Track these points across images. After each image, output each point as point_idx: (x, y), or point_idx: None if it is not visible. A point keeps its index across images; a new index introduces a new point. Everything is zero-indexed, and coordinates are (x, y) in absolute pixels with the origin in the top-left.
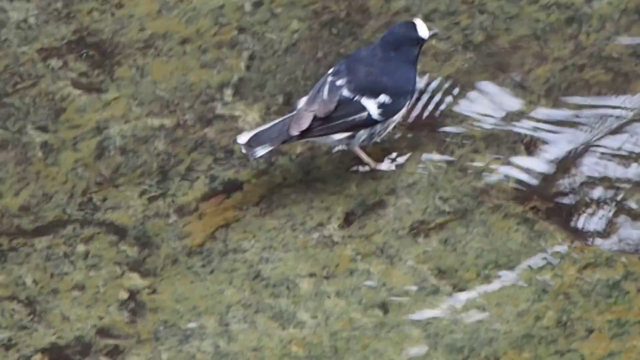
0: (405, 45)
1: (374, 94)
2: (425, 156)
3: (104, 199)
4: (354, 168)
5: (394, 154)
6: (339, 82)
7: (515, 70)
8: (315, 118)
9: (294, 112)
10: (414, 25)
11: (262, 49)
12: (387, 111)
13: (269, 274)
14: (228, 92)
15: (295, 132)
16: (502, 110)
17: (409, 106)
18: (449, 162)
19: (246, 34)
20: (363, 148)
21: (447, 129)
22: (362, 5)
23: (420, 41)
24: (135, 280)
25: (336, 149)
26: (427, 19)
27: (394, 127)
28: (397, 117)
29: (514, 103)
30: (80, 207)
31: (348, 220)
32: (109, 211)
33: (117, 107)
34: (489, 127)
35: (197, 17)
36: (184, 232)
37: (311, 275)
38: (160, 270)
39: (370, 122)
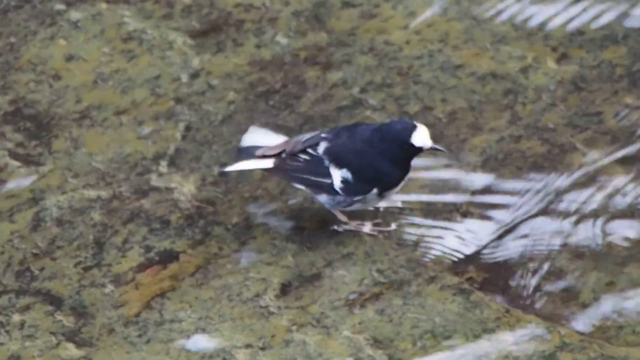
0: (391, 142)
1: (339, 165)
2: (361, 227)
3: (41, 269)
4: (332, 227)
5: (378, 219)
6: (323, 137)
7: (451, 141)
8: (285, 152)
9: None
10: (412, 129)
11: (199, 120)
12: (349, 189)
13: (206, 345)
14: (164, 163)
15: (261, 153)
16: (439, 181)
17: (383, 197)
18: (385, 234)
19: (183, 105)
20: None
21: (383, 201)
22: (298, 77)
23: (409, 147)
24: (71, 350)
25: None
26: (362, 90)
27: (372, 206)
28: (367, 200)
29: (450, 173)
30: (17, 277)
31: (284, 290)
32: (45, 281)
33: (53, 178)
34: (426, 198)
35: (133, 88)
36: (120, 302)
37: (247, 346)
38: (96, 340)
39: (331, 191)
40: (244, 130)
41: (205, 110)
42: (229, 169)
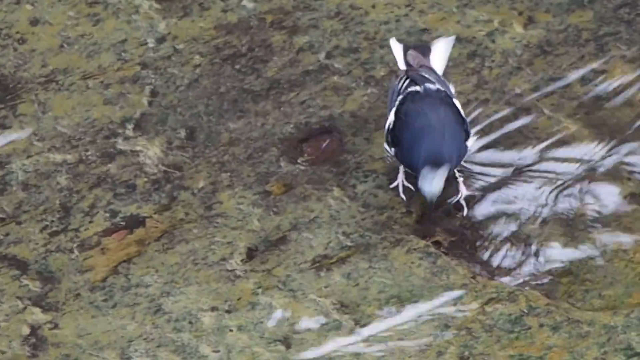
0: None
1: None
2: (327, 191)
3: (7, 234)
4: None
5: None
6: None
7: None
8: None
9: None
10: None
11: (164, 84)
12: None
13: (171, 308)
14: (130, 127)
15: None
16: None
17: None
18: (351, 197)
19: (148, 70)
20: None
21: (350, 164)
22: (265, 41)
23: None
24: (37, 314)
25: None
26: (329, 55)
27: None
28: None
29: None
30: None
31: (250, 254)
32: (11, 246)
33: (19, 142)
34: (392, 161)
35: (99, 52)
36: (86, 267)
37: (213, 309)
38: (62, 305)
39: (387, 132)
40: (210, 95)
41: (171, 74)
42: None
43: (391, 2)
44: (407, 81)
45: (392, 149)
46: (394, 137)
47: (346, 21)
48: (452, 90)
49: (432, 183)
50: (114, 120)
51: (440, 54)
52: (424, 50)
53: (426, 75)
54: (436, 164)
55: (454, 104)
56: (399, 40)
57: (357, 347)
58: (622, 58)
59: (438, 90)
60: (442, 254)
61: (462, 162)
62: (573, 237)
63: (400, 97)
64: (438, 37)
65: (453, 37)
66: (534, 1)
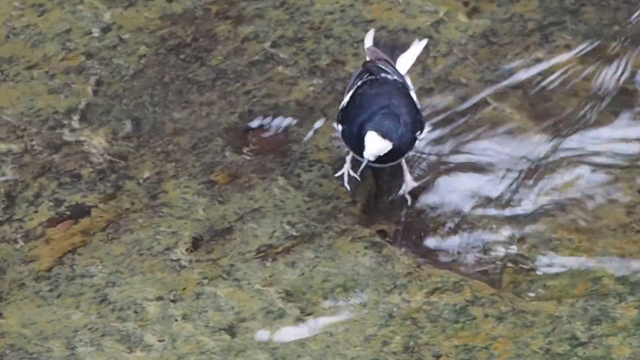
0: None
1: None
2: (272, 181)
3: None
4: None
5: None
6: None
7: None
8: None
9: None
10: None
11: (110, 75)
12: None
13: (116, 298)
14: (75, 118)
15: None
16: None
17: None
18: (296, 187)
19: (94, 60)
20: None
21: (295, 154)
22: (210, 31)
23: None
24: None
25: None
26: (274, 45)
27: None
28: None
29: None
30: None
31: (196, 244)
32: None
33: None
34: (338, 151)
35: (44, 42)
36: (31, 257)
37: (158, 298)
38: (7, 295)
39: (339, 111)
40: (155, 85)
41: (116, 64)
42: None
43: None
44: (365, 72)
45: (340, 127)
46: (345, 115)
47: (291, 11)
48: (410, 84)
49: (374, 144)
50: (59, 110)
51: (409, 54)
52: (392, 48)
53: (383, 67)
54: (383, 136)
55: (410, 95)
56: (377, 36)
57: (302, 336)
58: (567, 48)
59: (395, 80)
60: (387, 243)
61: (409, 153)
62: (518, 227)
63: (359, 82)
64: (381, 27)
65: (425, 40)
66: None
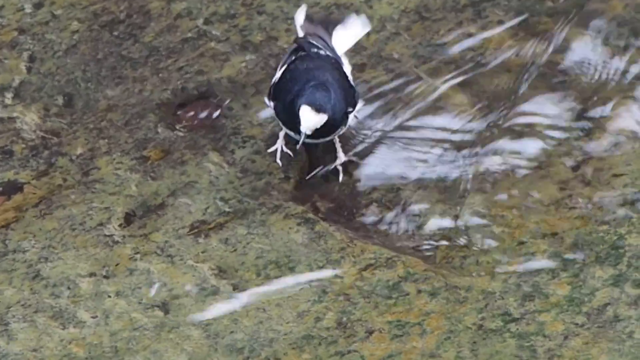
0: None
1: None
2: (205, 157)
3: None
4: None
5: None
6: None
7: None
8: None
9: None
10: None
11: (42, 50)
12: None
13: (49, 274)
14: (9, 95)
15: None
16: None
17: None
18: (229, 163)
19: (26, 35)
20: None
21: (228, 130)
22: (143, 7)
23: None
24: None
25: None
26: (207, 21)
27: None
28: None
29: None
30: None
31: (128, 220)
32: None
33: None
34: (271, 127)
35: None
36: None
37: (91, 274)
38: None
39: (271, 86)
40: (88, 62)
41: (49, 40)
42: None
43: None
44: (297, 48)
45: (272, 103)
46: (277, 90)
47: None
48: (345, 61)
49: (309, 118)
50: None
51: (349, 33)
52: (326, 24)
53: (314, 42)
54: (317, 110)
55: (342, 70)
56: (309, 12)
57: (235, 312)
58: (500, 23)
59: (327, 55)
60: (320, 219)
61: (343, 129)
62: (450, 203)
63: (292, 58)
64: (315, 3)
65: (369, 28)
66: None
